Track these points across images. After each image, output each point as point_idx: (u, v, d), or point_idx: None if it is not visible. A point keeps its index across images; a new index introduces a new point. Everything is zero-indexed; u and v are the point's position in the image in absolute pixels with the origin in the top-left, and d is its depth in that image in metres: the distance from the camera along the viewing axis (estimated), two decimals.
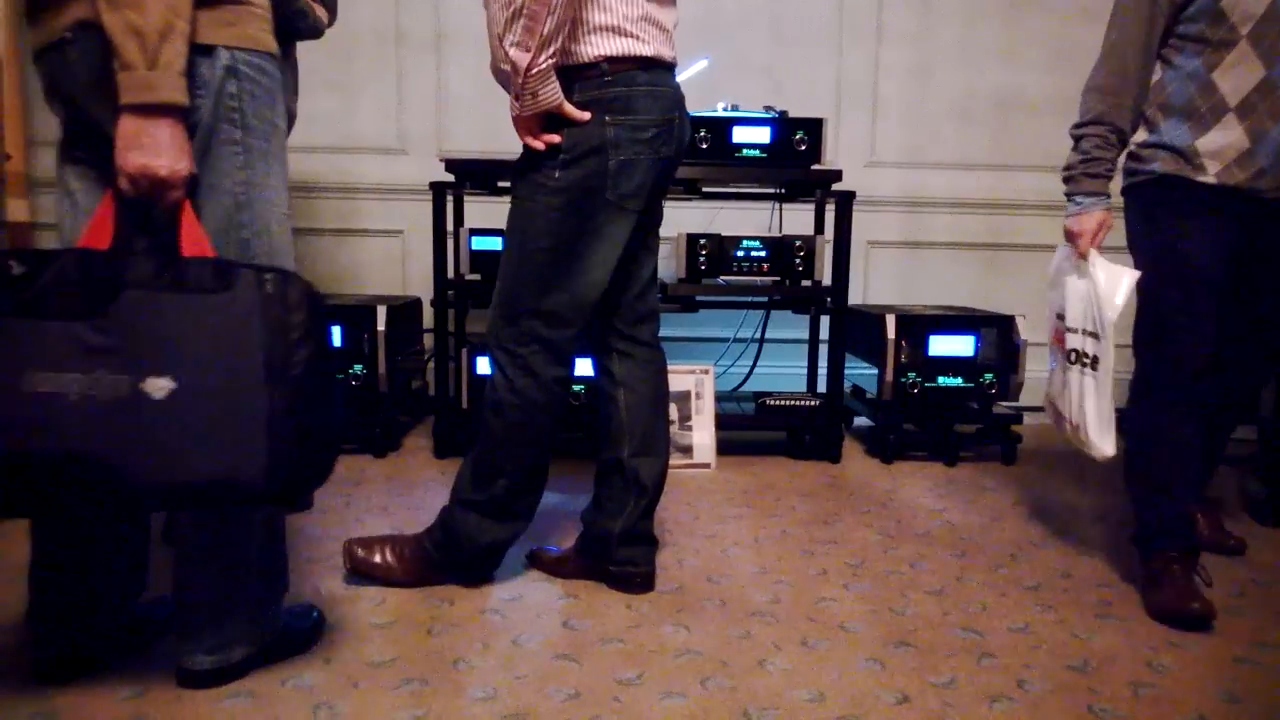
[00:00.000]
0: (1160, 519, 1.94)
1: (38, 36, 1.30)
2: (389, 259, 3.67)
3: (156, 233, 1.24)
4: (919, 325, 3.02)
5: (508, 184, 2.96)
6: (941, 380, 3.03)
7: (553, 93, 1.65)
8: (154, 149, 1.20)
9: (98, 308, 1.17)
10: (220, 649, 1.44)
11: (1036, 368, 3.55)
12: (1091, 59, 2.00)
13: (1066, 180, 2.05)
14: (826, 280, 3.01)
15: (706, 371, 2.99)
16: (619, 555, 1.90)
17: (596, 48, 1.68)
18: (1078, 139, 2.01)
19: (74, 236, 1.37)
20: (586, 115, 1.68)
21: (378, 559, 1.89)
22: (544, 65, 1.61)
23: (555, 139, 1.69)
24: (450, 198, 3.10)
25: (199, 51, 1.26)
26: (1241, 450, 3.28)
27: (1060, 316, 2.11)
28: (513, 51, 1.60)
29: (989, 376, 3.02)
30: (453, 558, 1.88)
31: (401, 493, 2.54)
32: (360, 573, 1.89)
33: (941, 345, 3.02)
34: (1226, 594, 1.98)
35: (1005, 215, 3.87)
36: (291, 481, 1.25)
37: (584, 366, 2.76)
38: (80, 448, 1.15)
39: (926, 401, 3.04)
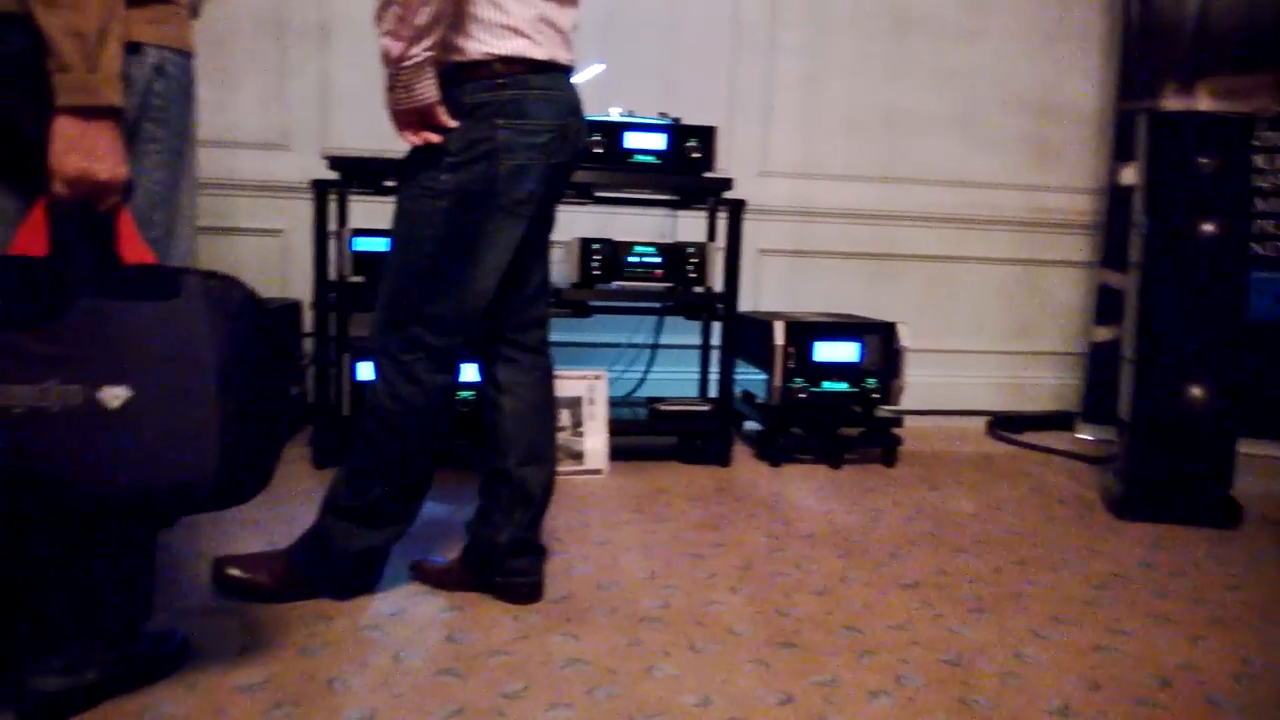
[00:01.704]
0: None
1: None
2: (267, 260, 3.53)
3: (96, 239, 1.20)
4: (806, 332, 3.08)
5: (396, 184, 2.89)
6: (827, 385, 3.10)
7: (428, 89, 1.60)
8: (94, 152, 1.16)
9: (47, 318, 1.12)
10: (71, 670, 1.34)
11: (916, 373, 3.67)
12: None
13: None
14: (718, 287, 3.04)
15: (599, 377, 2.98)
16: (505, 565, 1.87)
17: (486, 45, 1.64)
18: None
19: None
20: (454, 123, 1.65)
21: (248, 575, 1.81)
22: (418, 58, 1.56)
23: (434, 138, 1.66)
24: (334, 197, 3.01)
25: (128, 50, 1.22)
26: (1101, 450, 3.46)
27: None
28: (384, 41, 1.56)
29: (872, 381, 3.11)
30: (325, 568, 1.81)
31: (277, 506, 2.43)
32: (230, 590, 1.81)
33: (827, 351, 3.09)
34: (1087, 586, 2.08)
35: (890, 226, 3.99)
36: (238, 487, 1.26)
37: (473, 372, 2.70)
38: (20, 463, 1.11)
39: (813, 406, 3.10)
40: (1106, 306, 3.78)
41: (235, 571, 1.81)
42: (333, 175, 2.87)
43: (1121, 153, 3.71)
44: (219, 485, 1.23)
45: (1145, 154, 2.72)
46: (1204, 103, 3.60)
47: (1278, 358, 3.47)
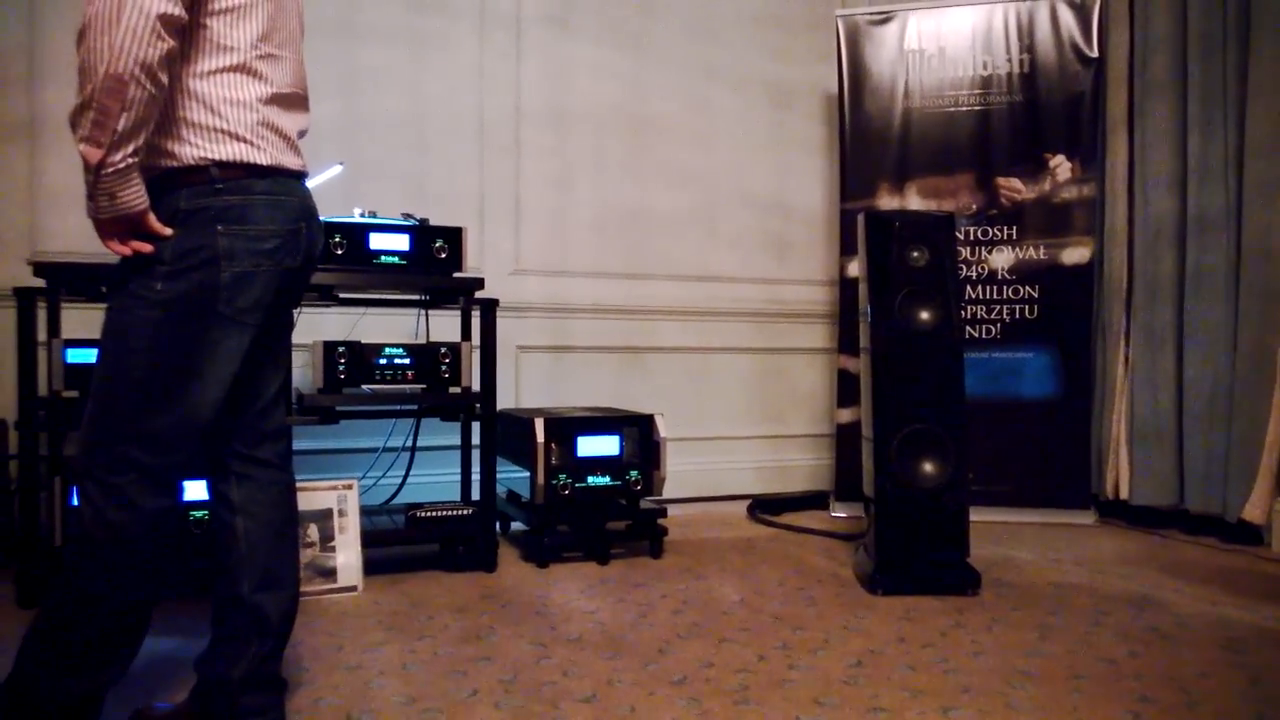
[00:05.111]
0: None
1: None
2: None
3: None
4: (566, 427, 3.08)
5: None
6: (591, 480, 3.09)
7: (134, 196, 1.48)
8: None
9: None
10: None
11: (677, 462, 3.75)
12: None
13: None
14: (475, 386, 2.99)
15: (350, 486, 2.81)
16: (241, 705, 1.68)
17: (202, 150, 1.55)
18: None
19: None
20: (169, 231, 1.54)
21: None
22: (121, 164, 1.45)
23: (145, 248, 1.53)
24: (44, 305, 2.72)
25: None
26: (853, 527, 3.66)
27: None
28: (82, 147, 1.44)
29: (634, 474, 3.14)
30: None
31: None
32: None
33: (588, 446, 3.10)
34: (846, 665, 2.15)
35: (643, 320, 4.12)
36: None
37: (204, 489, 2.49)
38: None
39: (577, 502, 3.09)
40: (846, 389, 4.05)
41: None
42: (39, 282, 2.61)
43: (847, 247, 4.04)
44: None
45: (864, 249, 2.97)
46: (913, 202, 4.01)
47: (996, 430, 3.83)
